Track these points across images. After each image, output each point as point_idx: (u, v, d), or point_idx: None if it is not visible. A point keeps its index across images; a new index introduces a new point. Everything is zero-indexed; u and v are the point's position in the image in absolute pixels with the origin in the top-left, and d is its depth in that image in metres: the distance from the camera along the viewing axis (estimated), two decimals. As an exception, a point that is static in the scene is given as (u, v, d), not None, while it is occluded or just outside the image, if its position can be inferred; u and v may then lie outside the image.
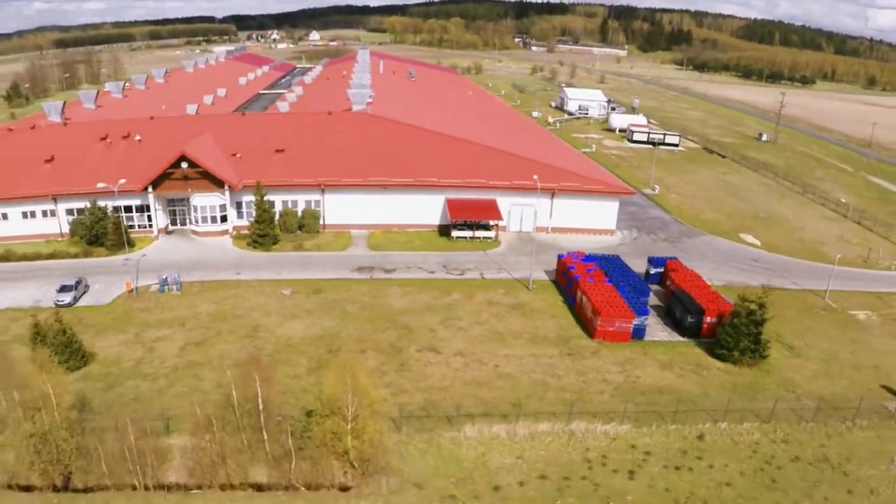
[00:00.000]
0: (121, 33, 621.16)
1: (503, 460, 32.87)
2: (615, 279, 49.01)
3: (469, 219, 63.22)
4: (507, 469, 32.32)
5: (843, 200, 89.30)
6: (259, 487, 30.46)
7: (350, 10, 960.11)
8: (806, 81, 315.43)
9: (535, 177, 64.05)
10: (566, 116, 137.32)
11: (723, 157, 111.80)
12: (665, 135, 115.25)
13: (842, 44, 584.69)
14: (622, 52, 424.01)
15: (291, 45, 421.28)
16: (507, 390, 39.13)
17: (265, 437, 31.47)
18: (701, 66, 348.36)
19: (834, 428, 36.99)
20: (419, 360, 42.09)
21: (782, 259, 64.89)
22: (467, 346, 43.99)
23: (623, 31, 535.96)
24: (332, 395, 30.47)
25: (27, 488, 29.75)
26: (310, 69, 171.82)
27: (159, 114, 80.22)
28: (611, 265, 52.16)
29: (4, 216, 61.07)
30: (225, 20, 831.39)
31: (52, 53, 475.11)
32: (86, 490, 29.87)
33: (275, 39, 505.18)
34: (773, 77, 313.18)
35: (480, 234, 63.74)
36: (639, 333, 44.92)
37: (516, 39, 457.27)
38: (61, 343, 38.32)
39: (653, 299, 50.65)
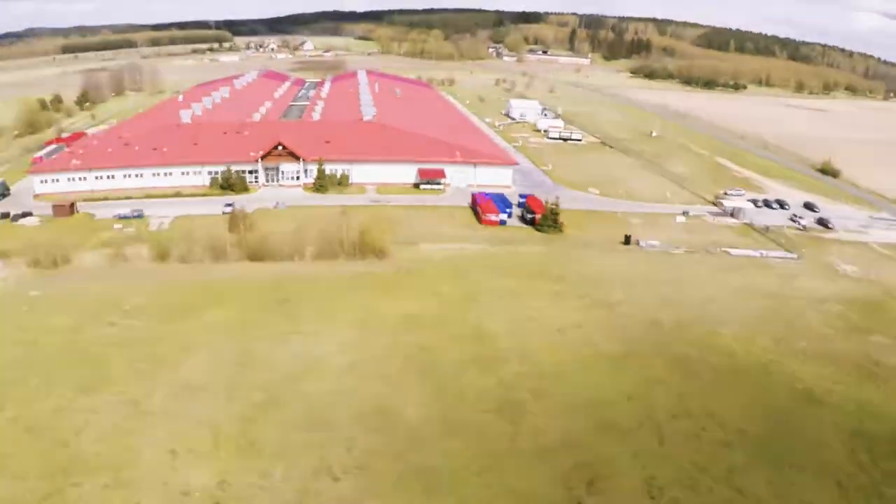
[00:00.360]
0: (123, 39, 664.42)
1: (437, 254, 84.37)
2: (496, 201, 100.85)
3: (429, 178, 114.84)
4: (440, 255, 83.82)
5: (678, 171, 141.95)
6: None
7: (337, 15, 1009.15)
8: (737, 87, 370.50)
9: (458, 154, 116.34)
10: (509, 121, 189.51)
11: (611, 147, 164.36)
12: (571, 133, 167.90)
13: (795, 50, 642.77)
14: (585, 61, 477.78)
15: (289, 56, 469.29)
16: (443, 236, 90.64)
17: (351, 249, 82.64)
18: (650, 74, 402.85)
19: (581, 247, 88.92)
20: (405, 228, 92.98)
21: (607, 199, 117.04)
22: (425, 225, 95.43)
23: (590, 41, 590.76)
24: (372, 235, 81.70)
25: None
26: (319, 83, 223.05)
27: (239, 119, 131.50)
28: (497, 197, 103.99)
29: (170, 174, 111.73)
30: (217, 25, 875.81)
31: (63, 59, 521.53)
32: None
33: (272, 49, 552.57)
34: (708, 84, 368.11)
35: (435, 187, 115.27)
36: (503, 222, 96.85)
37: (490, 49, 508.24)
38: (238, 220, 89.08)
39: (518, 213, 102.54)
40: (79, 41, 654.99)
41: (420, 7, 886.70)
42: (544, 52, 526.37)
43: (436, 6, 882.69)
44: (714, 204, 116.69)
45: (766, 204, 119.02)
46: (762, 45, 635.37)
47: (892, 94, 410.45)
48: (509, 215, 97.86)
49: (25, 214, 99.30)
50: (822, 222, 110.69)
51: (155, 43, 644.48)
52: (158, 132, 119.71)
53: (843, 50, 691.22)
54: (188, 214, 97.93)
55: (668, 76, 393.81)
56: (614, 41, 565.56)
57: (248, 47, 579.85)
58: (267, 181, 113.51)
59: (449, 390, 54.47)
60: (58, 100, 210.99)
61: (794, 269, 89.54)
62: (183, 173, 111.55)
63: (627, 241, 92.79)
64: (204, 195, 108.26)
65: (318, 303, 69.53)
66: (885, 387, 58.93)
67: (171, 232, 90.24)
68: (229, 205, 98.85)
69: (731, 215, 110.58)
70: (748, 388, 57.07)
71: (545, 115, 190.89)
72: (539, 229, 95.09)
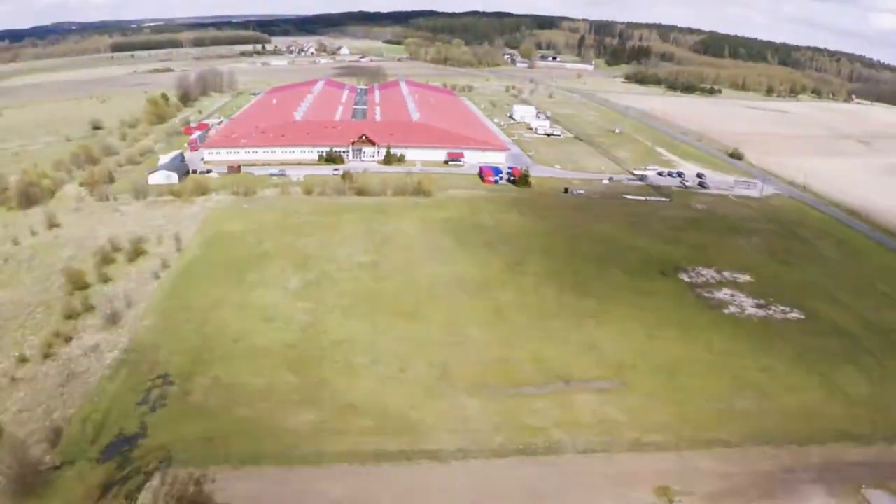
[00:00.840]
0: (169, 39, 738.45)
1: (458, 195, 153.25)
2: (493, 170, 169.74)
3: (454, 158, 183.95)
4: (459, 195, 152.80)
5: (621, 155, 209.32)
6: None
7: (363, 16, 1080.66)
8: (713, 91, 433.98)
9: (472, 143, 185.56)
10: (511, 121, 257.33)
11: (580, 140, 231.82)
12: (553, 130, 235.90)
13: (787, 55, 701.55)
14: (589, 67, 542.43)
15: (330, 60, 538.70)
16: (460, 187, 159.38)
17: (412, 191, 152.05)
18: (641, 80, 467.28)
19: (538, 193, 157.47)
20: (439, 183, 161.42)
21: (564, 171, 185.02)
22: (451, 182, 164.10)
23: (596, 47, 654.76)
24: (422, 185, 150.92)
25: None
26: (369, 89, 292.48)
27: (325, 117, 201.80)
28: (494, 168, 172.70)
29: (293, 151, 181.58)
30: (249, 23, 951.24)
31: (119, 57, 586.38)
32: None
33: (312, 54, 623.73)
34: (688, 89, 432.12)
35: (457, 163, 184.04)
36: (496, 182, 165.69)
37: (505, 56, 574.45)
38: (348, 176, 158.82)
39: (506, 177, 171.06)
40: (126, 40, 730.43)
41: (442, 10, 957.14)
42: (554, 59, 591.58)
43: (458, 10, 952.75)
44: (631, 173, 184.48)
45: (669, 174, 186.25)
46: (755, 50, 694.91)
47: (853, 97, 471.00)
48: (500, 178, 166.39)
49: (209, 171, 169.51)
50: (702, 184, 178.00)
51: (198, 43, 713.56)
52: (284, 125, 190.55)
53: (832, 54, 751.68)
54: (311, 174, 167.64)
55: (656, 81, 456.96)
56: (617, 47, 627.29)
57: (289, 51, 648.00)
58: (353, 158, 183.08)
59: (462, 238, 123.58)
60: (165, 97, 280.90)
61: (663, 205, 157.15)
62: (301, 151, 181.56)
63: (566, 191, 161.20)
64: (315, 164, 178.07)
65: (398, 212, 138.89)
66: (676, 246, 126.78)
67: (306, 182, 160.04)
68: (336, 169, 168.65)
69: (640, 179, 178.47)
70: (602, 244, 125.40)
71: (538, 117, 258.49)
72: (517, 185, 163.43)
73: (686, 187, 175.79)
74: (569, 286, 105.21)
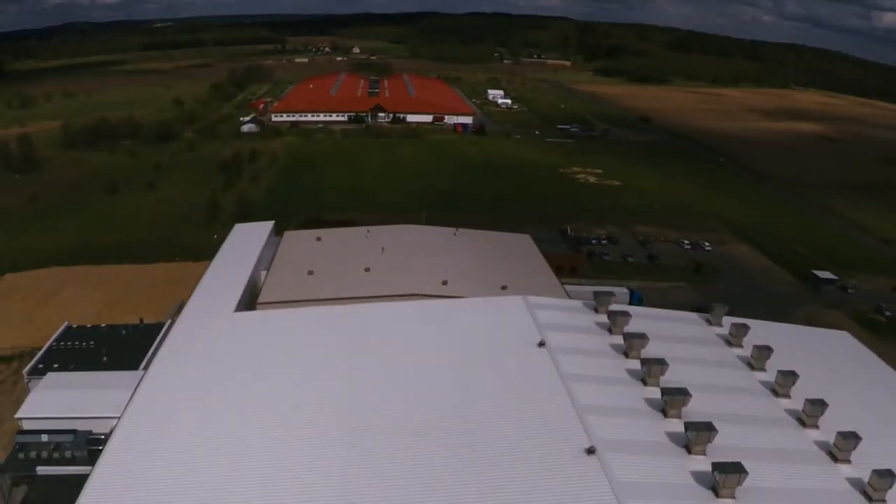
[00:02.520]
0: (193, 38, 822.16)
1: (438, 138, 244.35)
2: (463, 126, 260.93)
3: (438, 120, 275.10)
4: (439, 139, 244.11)
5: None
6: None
7: (369, 17, 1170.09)
8: (663, 81, 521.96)
9: (450, 110, 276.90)
10: (485, 100, 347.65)
11: (531, 111, 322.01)
12: (511, 105, 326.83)
13: (753, 51, 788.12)
14: (567, 63, 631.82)
15: (344, 58, 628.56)
16: (441, 134, 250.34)
17: (410, 135, 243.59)
18: (607, 73, 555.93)
19: (491, 138, 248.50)
20: (427, 133, 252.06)
21: (514, 128, 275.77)
22: (436, 133, 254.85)
23: (577, 45, 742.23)
24: (416, 132, 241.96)
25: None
26: (380, 80, 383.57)
27: (350, 95, 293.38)
28: (463, 125, 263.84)
29: (331, 115, 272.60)
30: (263, 23, 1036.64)
31: (154, 55, 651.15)
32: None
33: (327, 52, 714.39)
34: (642, 79, 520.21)
35: (440, 123, 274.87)
36: (465, 133, 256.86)
37: (496, 54, 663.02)
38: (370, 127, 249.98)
39: (472, 129, 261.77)
40: (155, 39, 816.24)
41: (444, 11, 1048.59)
42: (538, 56, 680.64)
43: (459, 11, 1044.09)
44: (557, 127, 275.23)
45: (584, 129, 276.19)
46: (724, 47, 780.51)
47: (793, 84, 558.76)
48: (466, 131, 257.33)
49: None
50: (605, 134, 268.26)
51: (220, 43, 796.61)
52: (325, 96, 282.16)
53: (797, 49, 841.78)
54: (343, 128, 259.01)
55: (619, 74, 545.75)
56: (594, 46, 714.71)
57: (307, 49, 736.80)
58: (371, 120, 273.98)
59: (435, 154, 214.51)
60: (220, 84, 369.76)
61: (574, 145, 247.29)
62: (336, 115, 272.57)
63: (507, 136, 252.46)
64: (346, 123, 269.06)
65: (400, 145, 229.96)
66: (554, 156, 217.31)
67: (343, 133, 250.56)
68: (360, 125, 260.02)
69: (563, 131, 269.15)
70: (515, 170, 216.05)
71: (504, 97, 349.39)
72: (478, 135, 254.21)
73: (592, 135, 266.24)
74: (496, 171, 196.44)
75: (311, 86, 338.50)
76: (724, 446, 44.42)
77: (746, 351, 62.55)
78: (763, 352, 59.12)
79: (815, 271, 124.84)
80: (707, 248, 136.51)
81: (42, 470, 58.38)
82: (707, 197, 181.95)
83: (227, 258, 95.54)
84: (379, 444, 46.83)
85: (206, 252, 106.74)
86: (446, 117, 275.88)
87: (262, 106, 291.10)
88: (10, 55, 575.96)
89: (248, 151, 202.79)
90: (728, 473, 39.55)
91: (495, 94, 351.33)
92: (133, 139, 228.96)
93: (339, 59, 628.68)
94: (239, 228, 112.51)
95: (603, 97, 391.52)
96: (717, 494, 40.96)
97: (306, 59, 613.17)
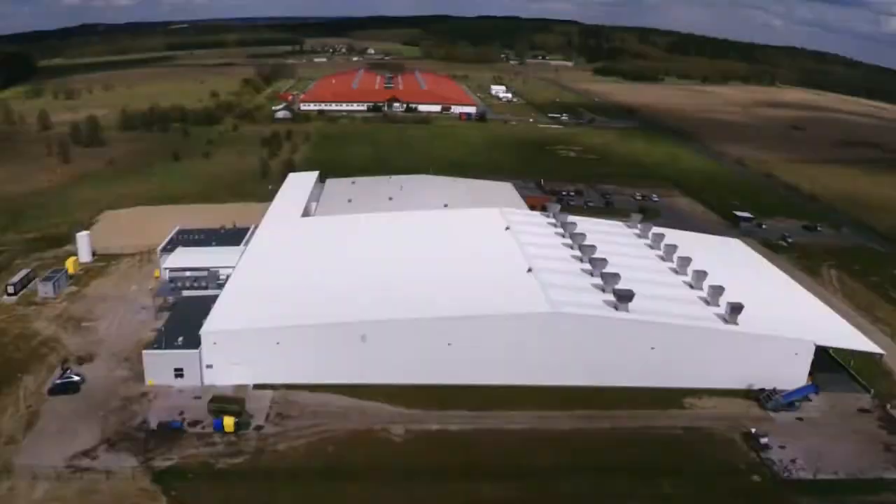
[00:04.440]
0: (215, 40, 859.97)
1: (446, 123, 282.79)
2: (467, 114, 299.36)
3: (445, 109, 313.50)
4: (447, 123, 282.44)
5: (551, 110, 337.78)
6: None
7: (383, 20, 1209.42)
8: (656, 79, 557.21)
9: (456, 101, 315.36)
10: (488, 95, 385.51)
11: (529, 104, 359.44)
12: (511, 99, 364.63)
13: (748, 52, 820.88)
14: (569, 64, 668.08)
15: (360, 58, 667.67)
16: (448, 121, 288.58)
17: (421, 122, 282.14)
18: (605, 73, 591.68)
19: (492, 125, 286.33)
20: (436, 120, 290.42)
21: (513, 117, 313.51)
22: (443, 120, 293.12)
23: (580, 47, 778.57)
24: (426, 119, 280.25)
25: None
26: (394, 76, 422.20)
27: (369, 88, 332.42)
28: (467, 113, 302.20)
29: (352, 105, 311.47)
30: (281, 25, 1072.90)
31: (180, 55, 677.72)
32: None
33: (343, 52, 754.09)
34: (637, 77, 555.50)
35: (448, 112, 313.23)
36: (469, 120, 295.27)
37: (502, 55, 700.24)
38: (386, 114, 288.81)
39: (476, 117, 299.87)
40: (178, 40, 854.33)
41: (456, 14, 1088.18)
42: (543, 57, 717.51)
43: (468, 14, 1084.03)
44: (549, 117, 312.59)
45: (573, 118, 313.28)
46: (718, 48, 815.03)
47: (776, 83, 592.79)
48: (470, 118, 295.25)
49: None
50: (591, 121, 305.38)
51: (241, 44, 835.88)
52: (347, 89, 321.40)
53: (793, 51, 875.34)
54: (363, 116, 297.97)
55: (617, 73, 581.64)
56: (595, 48, 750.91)
57: (324, 50, 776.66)
58: (387, 109, 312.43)
59: (441, 136, 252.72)
60: (250, 79, 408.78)
61: (567, 130, 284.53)
62: (357, 105, 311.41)
63: (505, 122, 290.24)
64: (366, 111, 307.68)
65: (412, 128, 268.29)
66: (547, 136, 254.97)
67: (363, 119, 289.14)
68: (378, 112, 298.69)
69: (553, 120, 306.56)
70: (508, 147, 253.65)
71: (505, 91, 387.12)
72: (479, 122, 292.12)
73: (579, 122, 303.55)
74: (492, 147, 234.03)
75: (334, 81, 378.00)
76: (635, 308, 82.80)
77: (659, 248, 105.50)
78: (671, 248, 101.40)
79: (736, 212, 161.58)
80: (655, 199, 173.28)
81: (186, 293, 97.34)
82: (665, 158, 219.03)
83: (288, 192, 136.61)
84: (398, 269, 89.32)
85: (264, 197, 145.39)
86: (453, 107, 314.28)
87: (290, 97, 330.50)
88: (38, 53, 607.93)
89: (285, 132, 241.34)
90: (622, 297, 79.05)
91: (497, 90, 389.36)
92: (182, 122, 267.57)
93: (354, 59, 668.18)
94: (293, 176, 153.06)
95: (597, 93, 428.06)
96: (616, 308, 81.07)
97: (324, 59, 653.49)
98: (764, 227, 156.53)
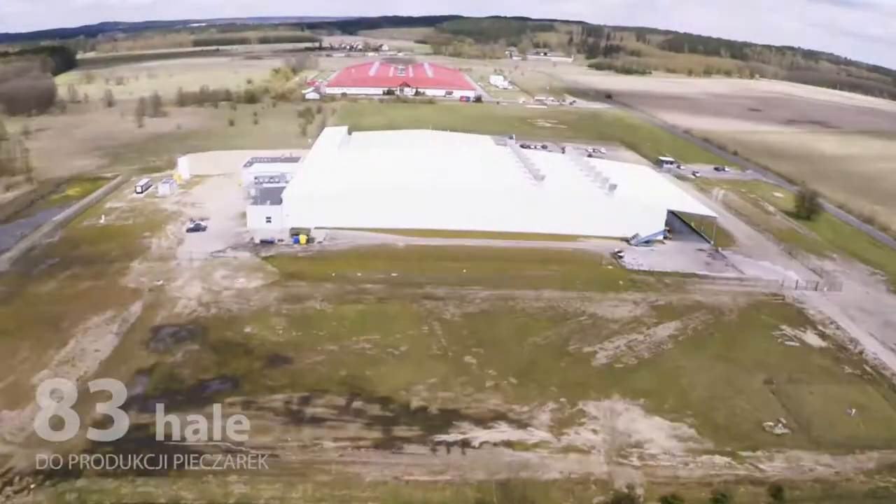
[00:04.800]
0: (240, 37, 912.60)
1: (448, 104, 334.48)
2: (466, 97, 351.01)
3: (448, 93, 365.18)
4: (448, 105, 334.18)
5: (540, 97, 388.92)
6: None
7: (397, 19, 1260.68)
8: (644, 73, 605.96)
9: (459, 87, 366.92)
10: (488, 84, 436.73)
11: (522, 90, 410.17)
12: (508, 86, 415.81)
13: (738, 50, 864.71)
14: (568, 60, 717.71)
15: (375, 54, 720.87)
16: (450, 102, 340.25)
17: (427, 103, 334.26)
18: (599, 67, 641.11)
19: (490, 106, 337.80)
20: (440, 102, 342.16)
21: (505, 101, 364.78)
22: (447, 102, 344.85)
23: (580, 45, 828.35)
24: (430, 99, 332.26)
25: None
26: (406, 68, 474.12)
27: (384, 76, 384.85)
28: (466, 96, 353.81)
29: (369, 90, 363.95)
30: (301, 25, 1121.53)
31: (207, 50, 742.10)
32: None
33: (360, 49, 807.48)
34: (627, 71, 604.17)
35: (450, 95, 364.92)
36: (467, 102, 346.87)
37: (506, 52, 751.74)
38: (398, 97, 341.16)
39: (473, 100, 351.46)
40: (206, 37, 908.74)
41: (467, 14, 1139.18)
42: (544, 54, 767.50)
43: (480, 14, 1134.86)
44: (536, 99, 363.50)
45: (562, 100, 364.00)
46: (711, 46, 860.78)
47: (757, 76, 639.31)
48: (469, 100, 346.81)
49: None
50: (572, 103, 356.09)
51: (263, 41, 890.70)
52: (365, 76, 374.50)
53: (787, 49, 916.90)
54: (381, 98, 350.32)
55: (609, 68, 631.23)
56: (593, 45, 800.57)
57: (341, 47, 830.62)
58: (399, 92, 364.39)
59: (445, 112, 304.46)
60: (280, 70, 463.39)
61: (548, 109, 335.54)
62: (373, 89, 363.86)
63: (497, 103, 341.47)
64: (381, 95, 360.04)
65: (421, 108, 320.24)
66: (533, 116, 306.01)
67: (379, 100, 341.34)
68: (391, 95, 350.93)
69: (540, 102, 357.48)
70: (496, 120, 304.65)
71: (503, 81, 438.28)
72: (477, 102, 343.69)
73: (562, 104, 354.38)
74: (483, 120, 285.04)
75: (353, 70, 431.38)
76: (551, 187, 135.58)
77: (583, 165, 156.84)
78: (591, 166, 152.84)
79: (660, 157, 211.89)
80: (602, 152, 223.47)
81: (266, 185, 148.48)
82: (623, 127, 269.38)
83: (325, 138, 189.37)
84: (414, 158, 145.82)
85: (306, 147, 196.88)
86: (454, 92, 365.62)
87: (316, 83, 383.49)
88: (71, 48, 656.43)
89: (316, 107, 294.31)
90: (538, 177, 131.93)
91: (496, 80, 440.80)
92: (228, 101, 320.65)
93: (370, 55, 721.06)
94: (328, 129, 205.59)
95: (585, 83, 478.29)
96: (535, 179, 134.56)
97: (343, 55, 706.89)
98: (681, 167, 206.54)
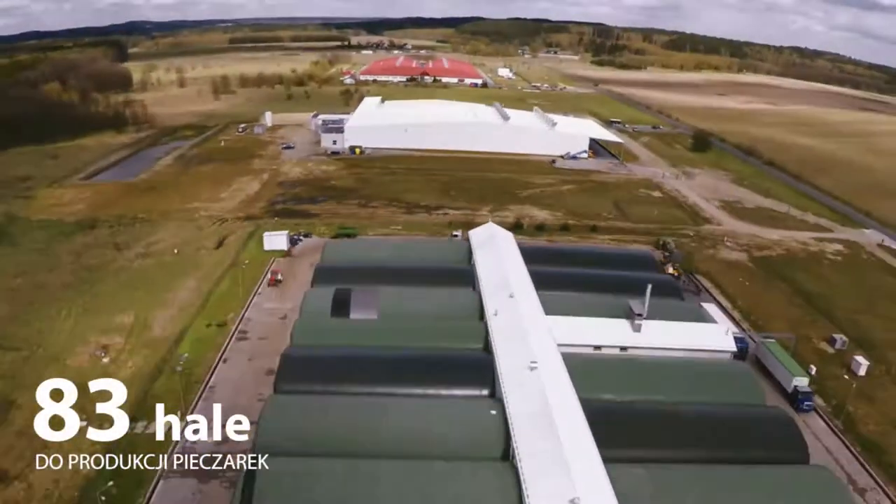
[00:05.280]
0: (272, 35, 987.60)
1: (459, 91, 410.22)
2: (475, 84, 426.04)
3: (460, 80, 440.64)
4: (460, 91, 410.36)
5: (538, 84, 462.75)
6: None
7: (419, 20, 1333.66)
8: (639, 68, 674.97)
9: (470, 75, 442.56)
10: (496, 74, 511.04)
11: (526, 81, 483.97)
12: (512, 77, 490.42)
13: (737, 49, 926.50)
14: (575, 57, 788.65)
15: (400, 52, 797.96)
16: (461, 88, 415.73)
17: (441, 88, 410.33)
18: (601, 63, 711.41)
19: (495, 90, 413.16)
20: (453, 86, 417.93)
21: (509, 89, 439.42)
22: (458, 88, 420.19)
23: (589, 44, 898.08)
24: (443, 84, 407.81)
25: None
26: (426, 62, 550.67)
27: (408, 66, 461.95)
28: (474, 83, 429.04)
29: (395, 76, 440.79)
30: (329, 25, 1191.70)
31: (244, 46, 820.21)
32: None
33: (386, 47, 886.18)
34: (623, 66, 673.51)
35: (463, 83, 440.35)
36: (475, 87, 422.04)
37: (519, 50, 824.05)
38: (418, 82, 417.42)
39: (480, 85, 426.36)
40: (240, 35, 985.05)
41: (487, 16, 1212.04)
42: (554, 52, 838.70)
43: (501, 17, 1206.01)
44: (533, 85, 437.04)
45: (555, 86, 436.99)
46: (712, 45, 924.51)
47: (744, 70, 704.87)
48: (477, 86, 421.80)
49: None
50: (563, 90, 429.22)
51: (295, 39, 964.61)
52: (392, 67, 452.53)
53: (778, 47, 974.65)
54: (405, 84, 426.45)
55: (610, 64, 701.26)
56: (600, 44, 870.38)
57: (369, 45, 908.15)
58: (420, 80, 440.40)
59: (457, 95, 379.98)
60: (318, 62, 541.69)
61: (542, 92, 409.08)
62: (398, 77, 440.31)
63: (500, 88, 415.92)
64: (405, 81, 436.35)
65: (437, 91, 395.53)
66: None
67: (403, 85, 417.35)
68: (413, 82, 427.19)
69: (534, 87, 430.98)
70: (512, 99, 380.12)
71: (510, 73, 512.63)
72: (483, 87, 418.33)
73: (555, 89, 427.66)
74: (486, 98, 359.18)
75: (382, 63, 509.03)
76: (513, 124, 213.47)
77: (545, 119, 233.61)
78: (549, 118, 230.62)
79: (611, 119, 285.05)
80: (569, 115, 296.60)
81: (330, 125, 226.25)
82: (594, 104, 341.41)
83: (366, 103, 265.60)
84: (434, 112, 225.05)
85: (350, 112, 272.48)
86: (466, 80, 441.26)
87: (352, 72, 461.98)
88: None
89: (353, 89, 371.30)
90: (504, 117, 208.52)
91: (503, 72, 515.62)
92: (281, 84, 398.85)
93: (394, 52, 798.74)
94: (367, 98, 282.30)
95: (582, 75, 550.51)
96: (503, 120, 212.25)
97: (370, 52, 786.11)
98: (625, 126, 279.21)
